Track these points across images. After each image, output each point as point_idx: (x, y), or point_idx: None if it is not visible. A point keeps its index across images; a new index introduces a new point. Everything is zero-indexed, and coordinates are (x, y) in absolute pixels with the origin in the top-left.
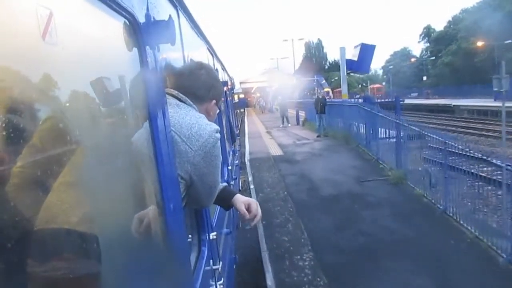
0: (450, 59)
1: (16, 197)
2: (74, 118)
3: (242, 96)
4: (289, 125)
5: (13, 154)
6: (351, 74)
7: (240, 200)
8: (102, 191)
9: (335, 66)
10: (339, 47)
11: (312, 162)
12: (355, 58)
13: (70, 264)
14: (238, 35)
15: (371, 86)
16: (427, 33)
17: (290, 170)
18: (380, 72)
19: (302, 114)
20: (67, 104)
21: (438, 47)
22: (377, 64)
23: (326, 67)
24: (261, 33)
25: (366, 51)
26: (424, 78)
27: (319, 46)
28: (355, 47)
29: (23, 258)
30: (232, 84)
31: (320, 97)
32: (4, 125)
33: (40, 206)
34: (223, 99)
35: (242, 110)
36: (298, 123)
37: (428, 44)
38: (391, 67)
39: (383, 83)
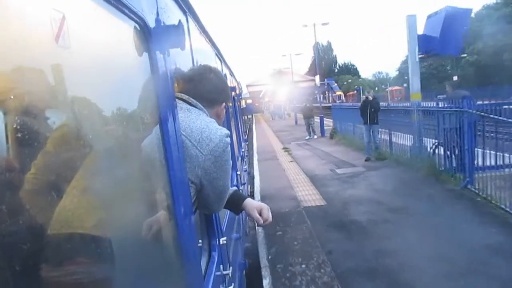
0: (476, 58)
1: (30, 202)
2: (86, 123)
3: (249, 101)
4: (315, 137)
5: (27, 158)
6: (362, 77)
7: (252, 205)
8: (114, 196)
9: (344, 69)
10: (406, 16)
11: (393, 230)
12: (435, 33)
13: (84, 268)
14: (244, 33)
15: (390, 88)
16: None
17: (352, 257)
18: (393, 74)
19: (327, 121)
20: (79, 109)
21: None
22: (389, 67)
23: (336, 70)
24: (268, 31)
25: (455, 20)
26: (455, 78)
27: (328, 48)
28: (429, 17)
29: (38, 262)
30: (240, 89)
31: (371, 98)
32: (18, 128)
33: (55, 211)
34: (231, 104)
35: (249, 116)
36: (323, 134)
37: None
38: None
39: (404, 85)
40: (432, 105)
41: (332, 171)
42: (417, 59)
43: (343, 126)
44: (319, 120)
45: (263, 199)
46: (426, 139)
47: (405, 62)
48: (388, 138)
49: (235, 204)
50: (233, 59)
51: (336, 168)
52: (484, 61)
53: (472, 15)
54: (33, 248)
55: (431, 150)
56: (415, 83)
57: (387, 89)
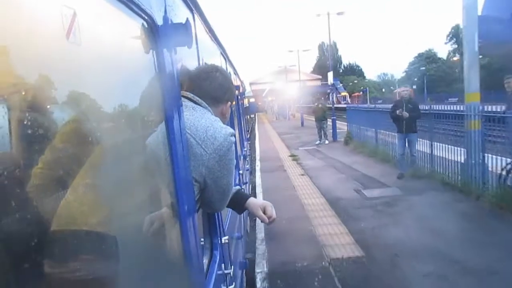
0: (488, 61)
1: (36, 197)
2: (93, 119)
3: (252, 100)
4: (327, 142)
5: (35, 153)
6: (367, 79)
7: (255, 204)
8: (118, 193)
9: (349, 69)
10: None
11: None
12: (502, 14)
13: (88, 265)
14: (248, 28)
15: (397, 90)
16: (455, 33)
17: None
18: (398, 76)
19: (342, 125)
20: (87, 105)
21: None
22: (394, 69)
23: (341, 70)
24: (273, 28)
25: None
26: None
27: (333, 48)
28: None
29: (42, 258)
30: (243, 88)
31: (407, 97)
32: (27, 123)
33: (60, 207)
34: (234, 102)
35: (252, 116)
36: (335, 139)
37: (456, 46)
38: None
39: (414, 87)
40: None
41: (358, 192)
42: (477, 48)
43: (361, 131)
44: (331, 123)
45: (267, 238)
46: (490, 155)
47: (413, 63)
48: (428, 151)
49: (238, 203)
50: (236, 55)
51: (363, 189)
52: (497, 64)
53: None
54: (37, 244)
55: (503, 172)
56: (473, 80)
57: (395, 91)
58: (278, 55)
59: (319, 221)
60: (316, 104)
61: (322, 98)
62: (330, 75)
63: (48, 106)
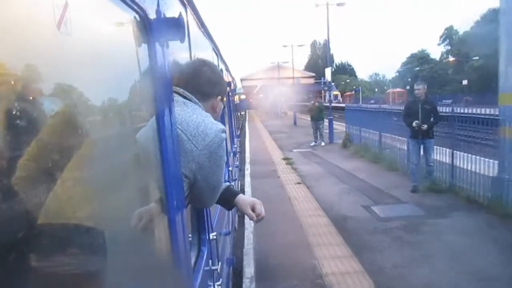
0: (482, 63)
1: (23, 192)
2: (82, 112)
3: (243, 97)
4: (323, 143)
5: (22, 146)
6: (359, 78)
7: (244, 201)
8: (107, 187)
9: (341, 68)
10: None
11: None
12: None
13: (75, 259)
14: (239, 22)
15: (391, 90)
16: (449, 34)
17: None
18: (389, 77)
19: (338, 126)
20: (76, 98)
21: (463, 49)
22: (385, 69)
23: (333, 69)
24: (265, 23)
25: None
26: (465, 82)
27: (326, 46)
28: None
29: (29, 252)
30: (235, 85)
31: (422, 97)
32: (16, 114)
33: (47, 200)
34: (225, 98)
35: (243, 113)
36: (331, 141)
37: (449, 47)
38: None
39: (407, 87)
40: None
41: (368, 209)
42: None
43: (362, 133)
44: (327, 123)
45: (258, 276)
46: None
47: (405, 63)
48: (448, 161)
49: (227, 200)
50: (227, 50)
51: (373, 204)
52: (493, 66)
53: (478, 17)
54: (24, 237)
55: None
56: (511, 77)
57: (388, 91)
58: (270, 51)
59: (324, 251)
60: (312, 102)
61: (319, 96)
62: (328, 71)
63: (37, 97)
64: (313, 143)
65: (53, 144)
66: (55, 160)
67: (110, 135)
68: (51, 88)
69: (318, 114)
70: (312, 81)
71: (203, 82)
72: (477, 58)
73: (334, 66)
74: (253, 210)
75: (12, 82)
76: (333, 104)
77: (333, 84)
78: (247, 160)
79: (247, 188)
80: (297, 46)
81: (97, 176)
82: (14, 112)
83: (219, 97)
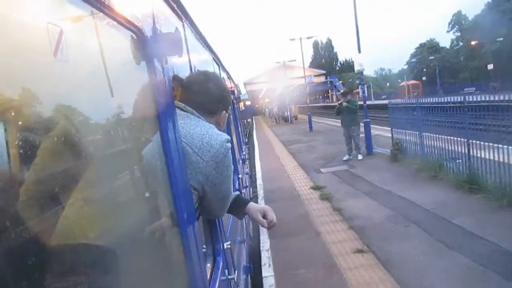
0: (499, 47)
1: (33, 213)
2: (87, 133)
3: (248, 103)
4: (360, 156)
5: (27, 170)
6: (364, 74)
7: (255, 209)
8: (117, 205)
9: (346, 66)
10: None
11: None
12: None
13: (88, 278)
14: (241, 23)
15: (404, 83)
16: (457, 20)
17: None
18: (395, 71)
19: (379, 131)
20: (80, 119)
21: (475, 34)
22: (391, 63)
23: (337, 67)
24: (267, 22)
25: None
26: (490, 66)
27: (328, 45)
28: None
29: (41, 273)
30: (238, 92)
31: None
32: (19, 142)
33: (58, 221)
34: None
35: (249, 120)
36: (370, 151)
37: (459, 33)
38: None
39: (424, 78)
40: None
41: None
42: None
43: (428, 141)
44: (363, 128)
45: None
46: None
47: (414, 55)
48: None
49: (238, 208)
50: (228, 52)
51: None
52: (508, 50)
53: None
54: (36, 259)
55: None
56: None
57: (401, 84)
58: (274, 50)
59: None
60: (339, 102)
61: (349, 93)
62: (358, 58)
63: (40, 123)
64: (347, 157)
65: (60, 166)
66: (64, 182)
67: (117, 154)
68: (55, 113)
69: (350, 117)
70: (323, 79)
71: (207, 100)
72: (501, 39)
73: (339, 64)
74: (264, 217)
75: (13, 112)
76: (370, 102)
77: (339, 82)
78: (259, 191)
79: (265, 259)
80: (306, 39)
81: (106, 196)
82: (18, 141)
83: (224, 112)
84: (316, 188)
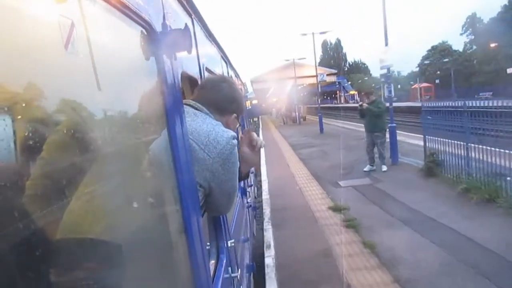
0: None
1: (39, 207)
2: (95, 127)
3: (255, 101)
4: (385, 168)
5: (34, 162)
6: (373, 76)
7: (242, 154)
8: (123, 201)
9: (355, 67)
10: None
11: None
12: None
13: (93, 273)
14: (249, 19)
15: (416, 85)
16: (471, 23)
17: None
18: (405, 73)
19: (399, 136)
20: (88, 113)
21: (491, 37)
22: (400, 66)
23: (346, 68)
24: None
25: None
26: (510, 70)
27: (337, 46)
28: None
29: (47, 267)
30: (245, 90)
31: None
32: (29, 134)
33: (63, 216)
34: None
35: (255, 119)
36: (395, 161)
37: (472, 37)
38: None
39: (437, 81)
40: None
41: None
42: None
43: (479, 154)
44: (388, 135)
45: None
46: None
47: (426, 57)
48: None
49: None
50: (236, 50)
51: None
52: None
53: (506, 2)
54: (42, 253)
55: None
56: None
57: (413, 86)
58: (282, 48)
59: None
60: (360, 104)
61: (370, 93)
62: (385, 51)
63: (49, 117)
64: (368, 167)
65: (68, 160)
66: (71, 175)
67: (124, 149)
68: (64, 107)
69: (373, 122)
70: (334, 78)
71: (219, 97)
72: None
73: (347, 65)
74: (251, 141)
75: (24, 104)
76: (346, 105)
77: (348, 83)
78: (265, 209)
79: None
80: (319, 34)
81: (113, 190)
82: (27, 133)
83: (234, 115)
84: (336, 209)
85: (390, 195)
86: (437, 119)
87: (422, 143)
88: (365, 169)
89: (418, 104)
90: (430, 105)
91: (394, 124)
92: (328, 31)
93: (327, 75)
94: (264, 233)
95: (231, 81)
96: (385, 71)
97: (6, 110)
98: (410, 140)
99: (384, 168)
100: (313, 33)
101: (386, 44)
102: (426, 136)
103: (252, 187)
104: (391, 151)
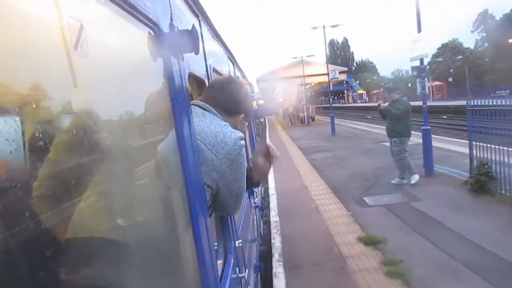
0: None
1: (47, 207)
2: (104, 128)
3: (261, 102)
4: (415, 179)
5: (43, 163)
6: (381, 75)
7: (256, 163)
8: (130, 200)
9: (362, 66)
10: None
11: None
12: None
13: (101, 272)
14: (256, 16)
15: (429, 84)
16: (483, 20)
17: None
18: (411, 71)
19: (451, 146)
20: (97, 114)
21: (503, 34)
22: (408, 65)
23: (353, 68)
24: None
25: None
26: None
27: (344, 45)
28: None
29: (56, 266)
30: (252, 90)
31: None
32: (35, 136)
33: (72, 215)
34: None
35: (261, 120)
36: (429, 171)
37: (484, 34)
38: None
39: (450, 79)
40: None
41: None
42: None
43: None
44: (419, 139)
45: None
46: None
47: (436, 55)
48: None
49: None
50: (241, 48)
51: None
52: None
53: None
54: (51, 252)
55: None
56: None
57: (428, 84)
58: (289, 46)
59: None
60: (379, 103)
61: (391, 90)
62: (419, 38)
63: (57, 117)
64: (397, 180)
65: (76, 160)
66: (80, 175)
67: (133, 149)
68: (73, 108)
69: (392, 125)
70: (344, 76)
71: (228, 99)
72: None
73: (355, 64)
74: (268, 153)
75: (34, 105)
76: (353, 105)
77: (356, 82)
78: (274, 238)
79: None
80: (330, 27)
81: (120, 190)
82: (38, 134)
83: (242, 115)
84: (369, 242)
85: (437, 220)
86: (489, 121)
87: (452, 147)
88: (393, 182)
89: (437, 103)
90: (476, 103)
91: (428, 127)
92: (340, 24)
93: (339, 72)
94: (274, 282)
95: (239, 82)
96: (417, 62)
97: (16, 112)
98: (437, 143)
99: (413, 180)
100: (323, 26)
101: (419, 30)
102: (474, 143)
103: (259, 187)
104: (424, 159)
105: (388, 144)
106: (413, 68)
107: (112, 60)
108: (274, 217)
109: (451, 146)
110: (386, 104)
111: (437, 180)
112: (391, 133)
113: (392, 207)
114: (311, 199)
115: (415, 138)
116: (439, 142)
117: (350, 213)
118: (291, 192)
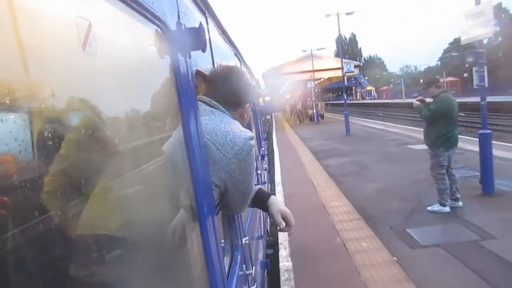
0: None
1: (57, 204)
2: (112, 126)
3: (267, 98)
4: (460, 203)
5: (53, 161)
6: (389, 71)
7: (277, 208)
8: (139, 199)
9: (370, 62)
10: None
11: None
12: None
13: (109, 269)
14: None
15: (443, 79)
16: (497, 14)
17: None
18: (421, 68)
19: (467, 144)
20: (105, 112)
21: None
22: (417, 61)
23: (361, 64)
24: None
25: None
26: None
27: (352, 41)
28: None
29: (65, 263)
30: (258, 87)
31: None
32: (45, 133)
33: (81, 213)
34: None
35: (268, 117)
36: (489, 189)
37: (498, 28)
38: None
39: (465, 75)
40: None
41: None
42: None
43: None
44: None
45: None
46: None
47: (448, 50)
48: None
49: (261, 202)
50: (247, 42)
51: None
52: None
53: None
54: (60, 248)
55: None
56: None
57: (441, 80)
58: (297, 41)
59: None
60: (418, 100)
61: (434, 84)
62: (476, 13)
63: (68, 116)
64: (435, 207)
65: (85, 158)
66: (89, 173)
67: (140, 147)
68: (81, 106)
69: (426, 130)
70: (357, 71)
71: (231, 92)
72: None
73: (363, 60)
74: (284, 219)
75: (43, 104)
76: (361, 101)
77: (365, 79)
78: None
79: None
80: (345, 15)
81: (131, 189)
82: (47, 133)
83: (247, 105)
84: None
85: None
86: None
87: (503, 153)
88: (435, 209)
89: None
90: None
91: (488, 131)
92: (354, 12)
93: (356, 66)
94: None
95: (239, 71)
96: (474, 47)
97: (26, 110)
98: (464, 144)
99: (435, 207)
100: (337, 13)
101: (478, 2)
102: None
103: (266, 184)
104: (482, 173)
105: (415, 147)
106: (468, 54)
107: (119, 58)
108: (284, 259)
109: (496, 151)
110: (426, 100)
111: (502, 201)
112: (424, 139)
113: (454, 248)
114: (333, 228)
115: (464, 143)
116: (467, 143)
117: (395, 258)
118: (305, 214)
